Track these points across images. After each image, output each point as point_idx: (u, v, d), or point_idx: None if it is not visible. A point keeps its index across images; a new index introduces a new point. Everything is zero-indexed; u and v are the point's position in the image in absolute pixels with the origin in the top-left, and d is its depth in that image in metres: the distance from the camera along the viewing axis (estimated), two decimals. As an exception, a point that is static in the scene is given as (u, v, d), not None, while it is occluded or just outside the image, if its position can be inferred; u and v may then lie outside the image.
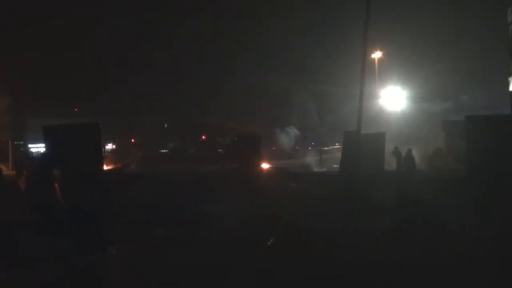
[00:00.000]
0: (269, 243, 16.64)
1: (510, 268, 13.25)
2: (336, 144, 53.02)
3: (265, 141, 51.84)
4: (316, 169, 47.55)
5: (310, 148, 66.77)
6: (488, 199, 20.49)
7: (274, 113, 72.04)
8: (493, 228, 17.68)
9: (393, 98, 57.68)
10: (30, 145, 59.80)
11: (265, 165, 38.11)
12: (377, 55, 55.92)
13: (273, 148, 63.19)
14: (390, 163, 27.25)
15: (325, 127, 63.25)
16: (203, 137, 73.22)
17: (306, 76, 68.06)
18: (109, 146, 67.02)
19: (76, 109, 69.72)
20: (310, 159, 57.58)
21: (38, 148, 49.48)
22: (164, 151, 68.42)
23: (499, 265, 13.43)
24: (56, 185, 18.38)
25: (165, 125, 79.30)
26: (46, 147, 21.37)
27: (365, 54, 27.27)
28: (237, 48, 76.28)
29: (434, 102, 52.01)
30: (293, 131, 63.66)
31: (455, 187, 23.84)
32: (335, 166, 39.58)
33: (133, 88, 74.28)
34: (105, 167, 32.49)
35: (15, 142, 58.03)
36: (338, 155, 31.53)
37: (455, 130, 32.70)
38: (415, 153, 27.03)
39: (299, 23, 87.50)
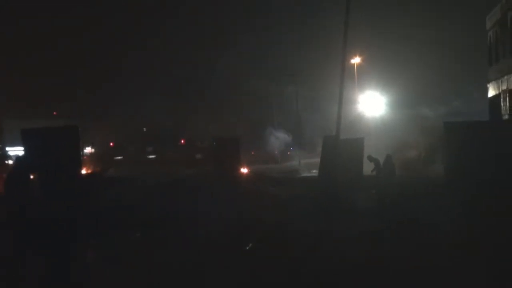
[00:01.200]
0: (248, 247, 16.62)
1: (502, 268, 13.33)
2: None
3: (248, 144, 51.65)
4: (302, 174, 47.43)
5: (289, 153, 66.71)
6: (469, 205, 20.60)
7: (256, 115, 72.02)
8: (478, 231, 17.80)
9: (372, 104, 57.92)
10: (8, 148, 59.24)
11: (244, 170, 37.99)
12: (356, 60, 56.16)
13: (252, 153, 62.95)
14: (369, 170, 27.31)
15: (308, 129, 63.32)
16: (182, 141, 72.83)
17: (288, 79, 68.02)
18: (88, 150, 66.47)
19: (54, 112, 69.27)
20: (290, 164, 57.63)
21: (16, 151, 48.99)
22: (143, 154, 68.07)
23: (493, 265, 13.52)
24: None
25: (144, 129, 78.98)
26: (24, 150, 21.21)
27: (344, 59, 27.28)
28: (219, 49, 76.26)
29: (419, 107, 52.30)
30: (282, 134, 63.47)
31: (434, 192, 24.00)
32: (314, 171, 39.61)
33: (112, 90, 74.01)
34: (84, 171, 32.28)
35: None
36: (318, 160, 31.54)
37: (435, 135, 32.92)
38: (395, 159, 27.13)
39: (283, 23, 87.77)
